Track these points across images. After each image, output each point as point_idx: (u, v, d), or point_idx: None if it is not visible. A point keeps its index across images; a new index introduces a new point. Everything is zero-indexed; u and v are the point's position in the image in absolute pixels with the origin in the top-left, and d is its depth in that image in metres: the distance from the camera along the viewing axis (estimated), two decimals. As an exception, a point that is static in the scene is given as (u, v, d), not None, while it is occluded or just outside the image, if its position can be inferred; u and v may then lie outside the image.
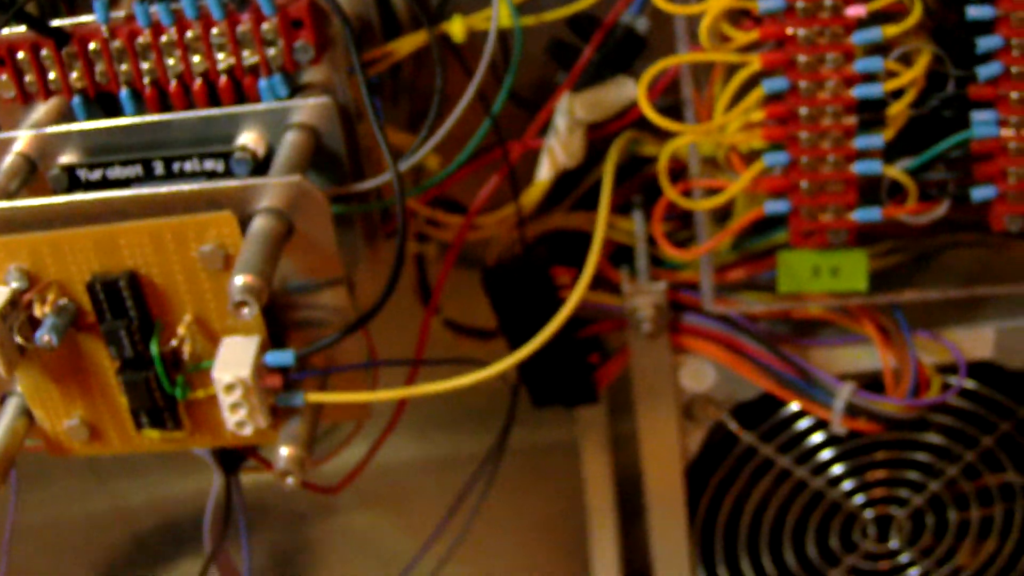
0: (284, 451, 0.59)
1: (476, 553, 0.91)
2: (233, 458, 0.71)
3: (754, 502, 0.82)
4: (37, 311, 0.59)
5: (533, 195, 0.74)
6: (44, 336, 0.58)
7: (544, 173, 0.73)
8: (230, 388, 0.58)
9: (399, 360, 0.71)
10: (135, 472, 0.99)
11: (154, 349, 0.60)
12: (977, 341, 0.77)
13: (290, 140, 0.62)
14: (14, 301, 0.59)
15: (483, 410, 0.91)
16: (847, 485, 0.82)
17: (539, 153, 0.74)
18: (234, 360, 0.58)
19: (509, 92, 0.68)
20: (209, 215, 0.58)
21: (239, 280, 0.54)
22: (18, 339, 0.58)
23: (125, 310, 0.59)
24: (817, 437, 0.81)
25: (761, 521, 0.83)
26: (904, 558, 0.85)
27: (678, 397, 0.78)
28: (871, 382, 0.73)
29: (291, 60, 0.64)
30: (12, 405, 0.64)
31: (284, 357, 0.59)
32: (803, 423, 0.80)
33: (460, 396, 0.95)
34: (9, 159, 0.64)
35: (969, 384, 0.78)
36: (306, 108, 0.63)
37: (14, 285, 0.59)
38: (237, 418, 0.58)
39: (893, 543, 0.84)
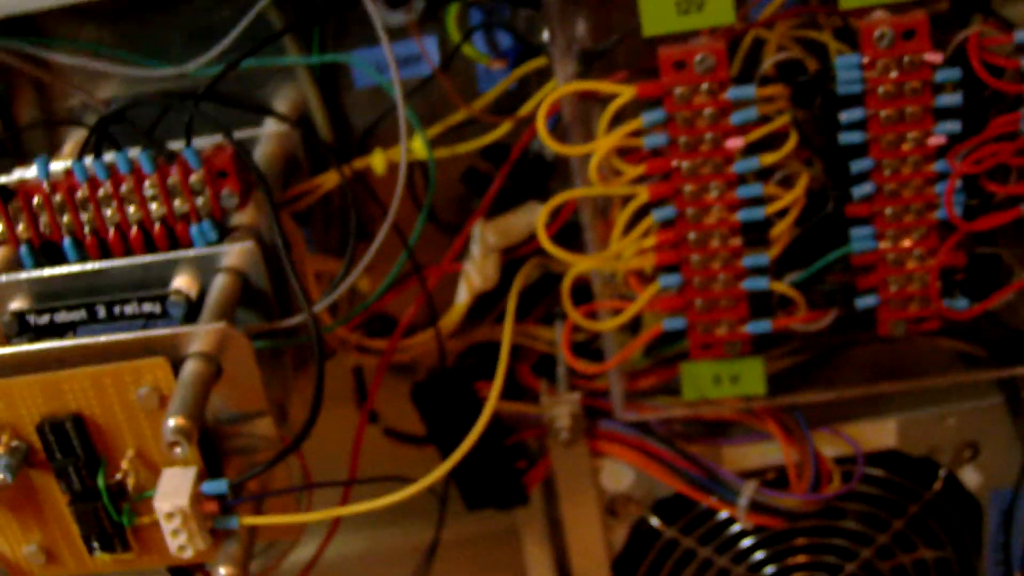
0: (222, 572, 0.67)
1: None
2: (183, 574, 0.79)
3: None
4: (-10, 452, 0.67)
5: (453, 316, 0.82)
6: (-1, 475, 0.66)
7: (462, 296, 0.81)
8: (170, 516, 0.65)
9: (330, 482, 0.79)
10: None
11: (100, 482, 0.67)
12: (881, 432, 0.85)
13: (219, 284, 0.71)
14: (-34, 444, 0.67)
15: (428, 501, 1.00)
16: (769, 571, 0.89)
17: (458, 276, 0.82)
18: (173, 490, 0.66)
19: (427, 219, 0.77)
20: (144, 361, 0.66)
21: (171, 422, 0.62)
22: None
23: (72, 448, 0.67)
24: (736, 527, 0.88)
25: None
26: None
27: (600, 497, 0.85)
28: (781, 476, 0.81)
29: (218, 207, 0.72)
30: (-28, 535, 0.72)
31: (218, 486, 0.67)
32: (722, 514, 0.88)
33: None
34: (-37, 308, 0.72)
35: (876, 472, 0.86)
36: (232, 252, 0.71)
37: (-34, 431, 0.67)
38: (178, 542, 0.66)
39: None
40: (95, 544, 0.70)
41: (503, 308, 0.86)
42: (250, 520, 0.68)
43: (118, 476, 0.68)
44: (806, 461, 0.80)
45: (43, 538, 0.71)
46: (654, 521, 0.88)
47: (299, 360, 0.77)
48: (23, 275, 0.73)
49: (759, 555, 0.89)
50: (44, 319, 0.72)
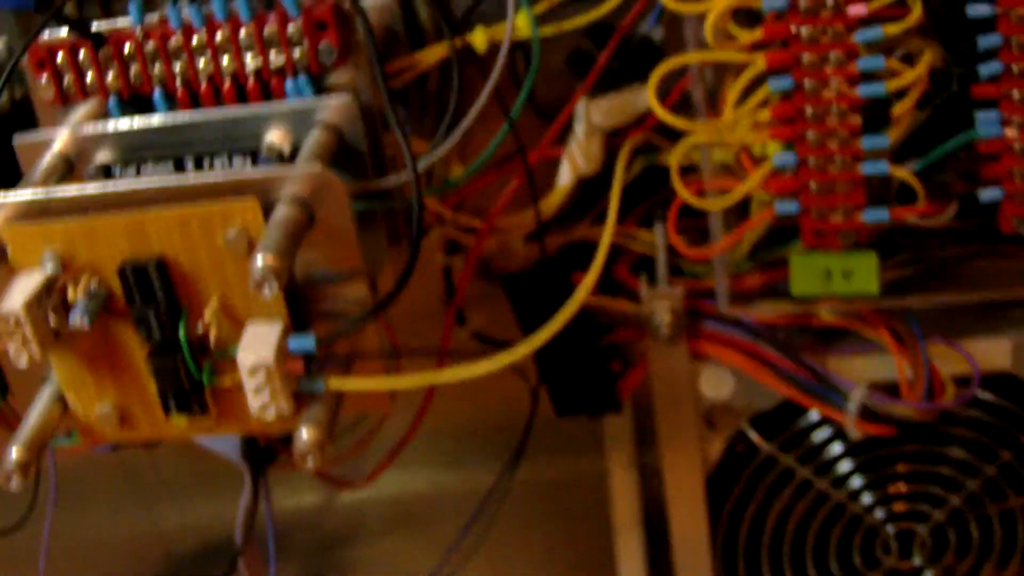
0: (304, 433, 0.63)
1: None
2: (262, 454, 0.75)
3: (775, 514, 0.85)
4: (70, 295, 0.64)
5: (553, 200, 0.78)
6: (77, 318, 0.63)
7: (564, 179, 0.77)
8: (253, 371, 0.62)
9: (422, 350, 0.75)
10: (172, 494, 1.03)
11: (181, 333, 0.64)
12: (995, 352, 0.80)
13: (314, 137, 0.67)
14: (49, 286, 0.63)
15: (502, 442, 0.97)
16: (868, 498, 0.85)
17: (559, 161, 0.78)
18: (257, 344, 0.63)
19: (528, 98, 0.72)
20: (234, 202, 0.62)
21: (260, 260, 0.58)
22: (51, 320, 0.63)
23: (154, 294, 0.64)
24: (837, 447, 0.84)
25: (783, 534, 0.86)
26: (928, 575, 0.87)
27: (697, 405, 0.81)
28: (889, 391, 0.76)
29: (316, 61, 0.68)
30: (47, 392, 0.68)
31: (306, 342, 0.63)
32: (822, 433, 0.83)
33: (479, 428, 1.01)
34: (48, 158, 0.69)
35: (987, 396, 0.81)
36: (329, 107, 0.67)
37: (49, 270, 0.64)
38: (260, 402, 0.62)
39: (916, 560, 0.87)
40: (172, 404, 0.66)
41: (602, 207, 0.83)
42: (337, 383, 0.64)
43: (200, 328, 0.64)
44: (919, 372, 0.75)
45: (118, 396, 0.68)
46: (752, 435, 0.83)
47: (392, 234, 0.73)
48: (111, 126, 0.69)
49: (858, 480, 0.84)
50: (130, 173, 0.69)
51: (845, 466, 0.84)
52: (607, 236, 0.69)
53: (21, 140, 0.70)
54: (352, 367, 0.67)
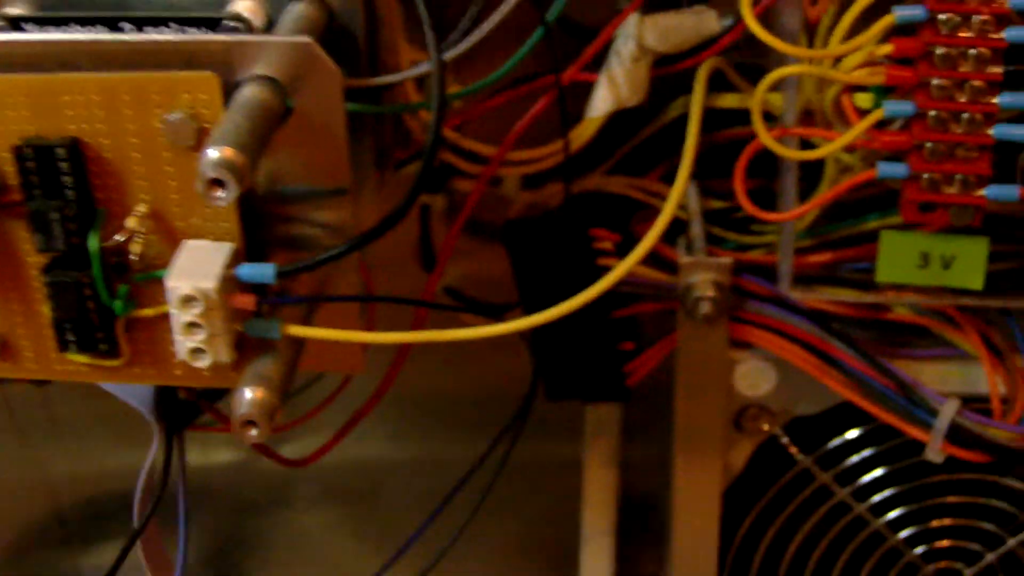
0: (249, 393, 0.44)
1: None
2: (181, 411, 0.56)
3: (800, 538, 0.67)
4: (-55, 177, 0.44)
5: (584, 133, 0.60)
6: (-51, 208, 0.43)
7: (600, 106, 0.59)
8: (187, 302, 0.43)
9: (403, 299, 0.56)
10: (63, 436, 0.84)
11: (93, 243, 0.45)
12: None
13: (297, 11, 0.48)
14: (-85, 161, 0.44)
15: (470, 416, 0.80)
16: (909, 531, 0.67)
17: (592, 87, 0.59)
18: (196, 267, 0.44)
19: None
20: (184, 74, 0.43)
21: (214, 152, 0.40)
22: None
23: (60, 188, 0.45)
24: (879, 471, 0.66)
25: (805, 562, 0.68)
26: (965, 625, 0.70)
27: (728, 402, 0.63)
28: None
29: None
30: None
31: (262, 271, 0.44)
32: (864, 453, 0.66)
33: (447, 399, 0.82)
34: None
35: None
36: (320, -25, 0.48)
37: (-83, 141, 0.44)
38: (193, 343, 0.44)
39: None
40: (70, 338, 0.47)
41: (618, 157, 0.65)
42: (299, 330, 0.45)
43: (119, 238, 0.45)
44: (1020, 390, 0.57)
45: None
46: (787, 444, 0.65)
47: (379, 154, 0.54)
48: (26, -32, 0.50)
49: (900, 510, 0.67)
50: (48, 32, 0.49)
51: (887, 492, 0.66)
52: (677, 190, 0.50)
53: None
54: (315, 314, 0.49)
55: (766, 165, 0.58)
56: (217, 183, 0.40)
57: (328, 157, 0.46)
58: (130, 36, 0.45)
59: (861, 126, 0.52)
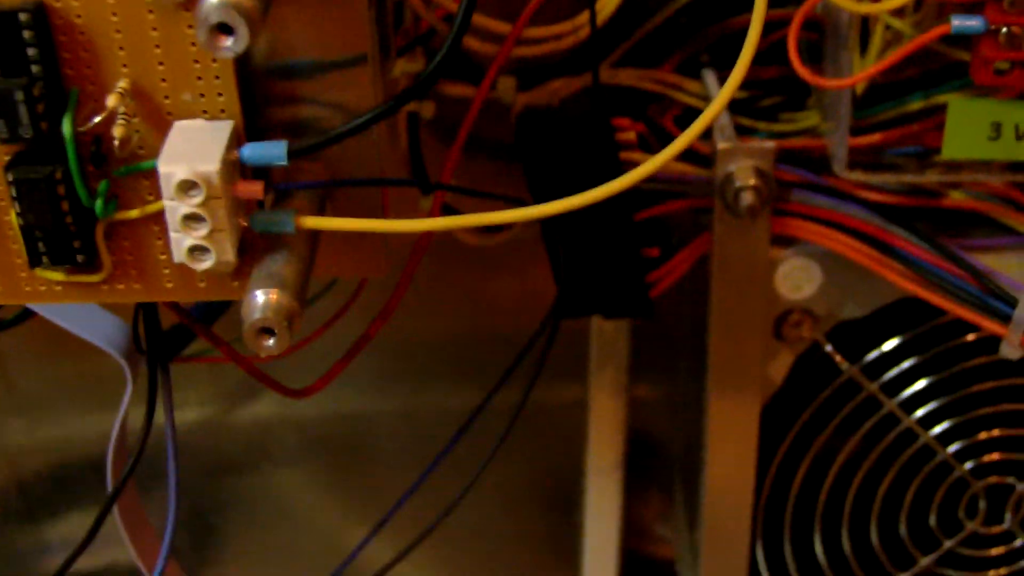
0: (262, 296, 0.36)
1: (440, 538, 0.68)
2: (168, 339, 0.48)
3: (844, 456, 0.61)
4: None
5: (604, 8, 0.52)
6: None
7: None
8: (185, 189, 0.35)
9: (438, 184, 0.48)
10: (21, 406, 0.76)
11: (67, 128, 0.37)
12: None
13: None
14: None
15: (455, 360, 0.74)
16: (958, 445, 0.61)
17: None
18: (193, 150, 0.36)
19: None
20: (171, -90, 0.35)
21: (218, -5, 0.32)
22: None
23: (25, 63, 0.36)
24: (924, 381, 0.59)
25: (848, 481, 0.62)
26: (1019, 543, 0.64)
27: (768, 307, 0.56)
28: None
29: None
30: None
31: (272, 151, 0.36)
32: (906, 363, 0.59)
33: (430, 343, 0.75)
34: None
35: None
36: None
37: None
38: (193, 239, 0.36)
39: (1006, 522, 0.63)
40: (42, 249, 0.39)
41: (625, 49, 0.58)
42: (316, 220, 0.37)
43: (96, 120, 0.37)
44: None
45: (-48, 233, 0.40)
46: (831, 352, 0.58)
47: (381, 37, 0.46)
48: None
49: (946, 424, 0.60)
50: None
51: (932, 404, 0.60)
52: (737, 76, 0.42)
53: None
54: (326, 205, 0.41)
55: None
56: (223, 29, 0.32)
57: (343, 18, 0.38)
58: None
59: (934, -27, 0.45)
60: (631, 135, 0.54)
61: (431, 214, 0.51)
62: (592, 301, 0.58)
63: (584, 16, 0.53)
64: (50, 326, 0.52)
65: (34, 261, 0.40)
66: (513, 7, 0.51)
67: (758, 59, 0.47)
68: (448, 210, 0.58)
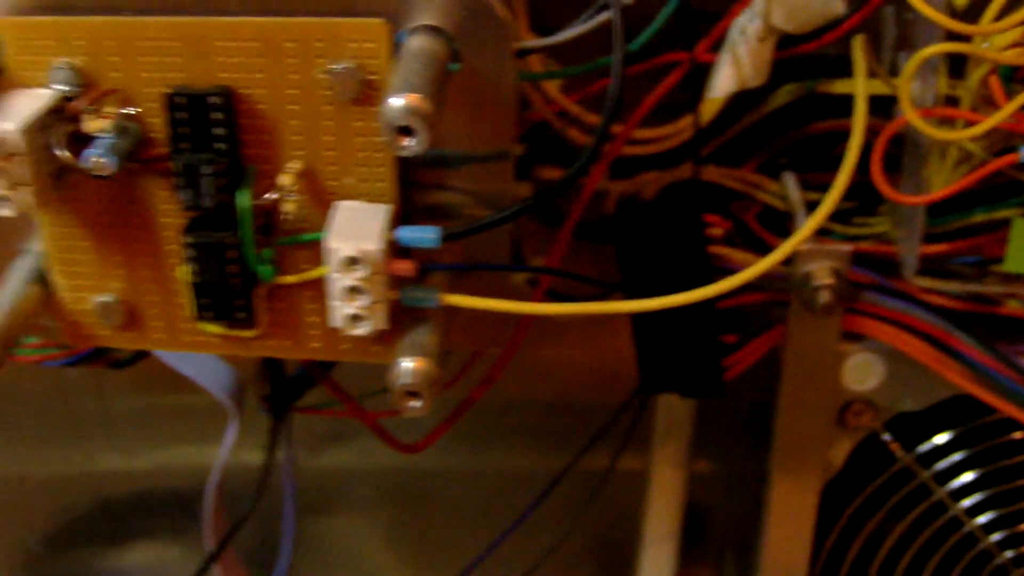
0: (409, 363, 0.40)
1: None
2: (287, 393, 0.52)
3: (894, 538, 0.64)
4: (89, 126, 0.40)
5: (705, 113, 0.56)
6: (96, 157, 0.39)
7: (723, 86, 0.55)
8: (350, 264, 0.39)
9: (556, 270, 0.52)
10: (114, 433, 0.80)
11: (245, 202, 0.41)
12: None
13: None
14: (58, 109, 0.40)
15: (523, 428, 0.79)
16: (1001, 535, 0.64)
17: (712, 67, 0.56)
18: (357, 230, 0.40)
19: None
20: (353, 20, 0.39)
21: (401, 99, 0.36)
22: (64, 154, 0.39)
23: (211, 141, 0.40)
24: (973, 474, 0.63)
25: (895, 562, 0.65)
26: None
27: (834, 396, 0.59)
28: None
29: None
30: (24, 266, 0.44)
31: (425, 235, 0.40)
32: (955, 457, 0.62)
33: (504, 410, 0.78)
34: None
35: None
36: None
37: (61, 87, 0.40)
38: (353, 309, 0.40)
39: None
40: (207, 304, 0.43)
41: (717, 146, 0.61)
42: (457, 299, 0.41)
43: (271, 196, 0.41)
44: None
45: (127, 285, 0.44)
46: (889, 441, 0.61)
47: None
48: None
49: (991, 515, 0.63)
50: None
51: (978, 496, 0.63)
52: (843, 179, 0.46)
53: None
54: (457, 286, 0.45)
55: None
56: (404, 132, 0.36)
57: (493, 118, 0.42)
58: (290, -19, 0.40)
59: (1008, 108, 0.49)
60: (719, 231, 0.58)
61: (535, 295, 0.55)
62: (672, 380, 0.62)
63: (684, 120, 0.56)
64: (147, 363, 0.56)
65: (198, 315, 0.44)
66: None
67: (838, 162, 0.51)
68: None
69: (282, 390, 0.52)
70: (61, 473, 0.81)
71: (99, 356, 0.59)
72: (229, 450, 0.58)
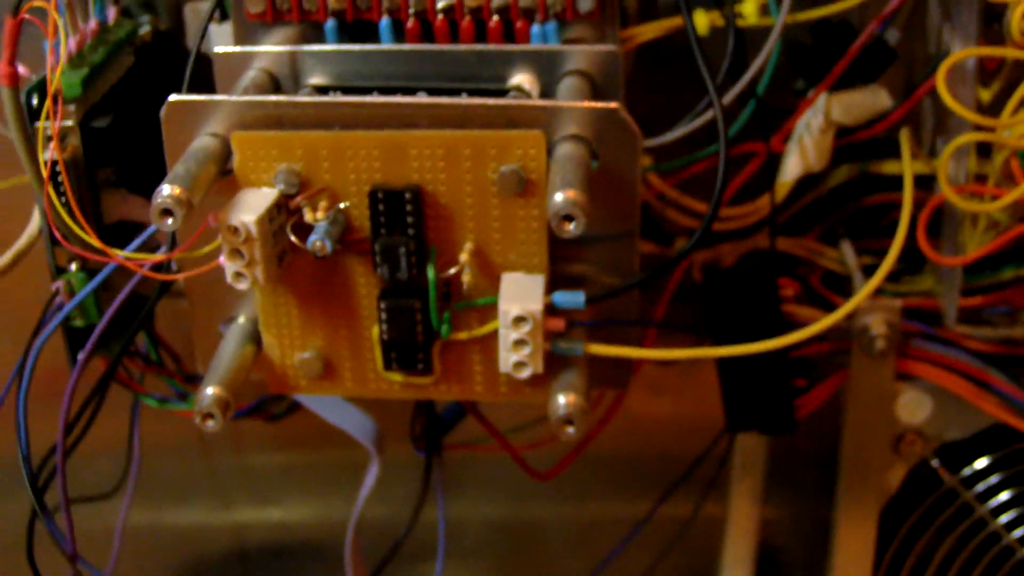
0: (564, 397, 0.50)
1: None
2: (438, 430, 0.62)
3: (943, 552, 0.74)
4: (308, 217, 0.51)
5: (779, 194, 0.66)
6: (318, 240, 0.50)
7: (791, 172, 0.66)
8: (519, 322, 0.49)
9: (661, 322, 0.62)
10: (252, 483, 0.88)
11: (432, 274, 0.51)
12: None
13: (571, 83, 0.55)
14: (281, 204, 0.50)
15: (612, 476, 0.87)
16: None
17: (782, 156, 0.66)
18: (521, 294, 0.50)
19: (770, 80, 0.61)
20: (518, 132, 0.50)
21: (565, 195, 0.46)
22: (292, 239, 0.50)
23: (404, 227, 0.51)
24: (1010, 492, 0.72)
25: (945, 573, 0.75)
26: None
27: (890, 428, 0.69)
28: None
29: (572, 7, 0.56)
30: (238, 330, 0.55)
31: (575, 298, 0.51)
32: (994, 478, 0.72)
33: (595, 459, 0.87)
34: (252, 74, 0.56)
35: None
36: (588, 54, 0.56)
37: (282, 187, 0.51)
38: (518, 357, 0.50)
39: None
40: (394, 357, 0.53)
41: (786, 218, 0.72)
42: (599, 348, 0.51)
43: (453, 271, 0.51)
44: None
45: (326, 343, 0.55)
46: (937, 466, 0.71)
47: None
48: (333, 46, 0.57)
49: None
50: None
51: (1015, 509, 0.73)
52: (896, 247, 0.57)
53: (220, 50, 0.57)
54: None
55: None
56: (567, 219, 0.47)
57: (620, 205, 0.52)
58: (465, 100, 0.51)
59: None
60: (791, 291, 0.68)
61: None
62: (753, 418, 0.72)
63: (761, 200, 0.67)
64: (284, 422, 0.65)
65: (386, 366, 0.54)
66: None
67: (887, 230, 0.61)
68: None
69: (434, 428, 0.62)
70: (200, 520, 0.89)
71: (259, 410, 0.69)
72: (370, 489, 0.68)
